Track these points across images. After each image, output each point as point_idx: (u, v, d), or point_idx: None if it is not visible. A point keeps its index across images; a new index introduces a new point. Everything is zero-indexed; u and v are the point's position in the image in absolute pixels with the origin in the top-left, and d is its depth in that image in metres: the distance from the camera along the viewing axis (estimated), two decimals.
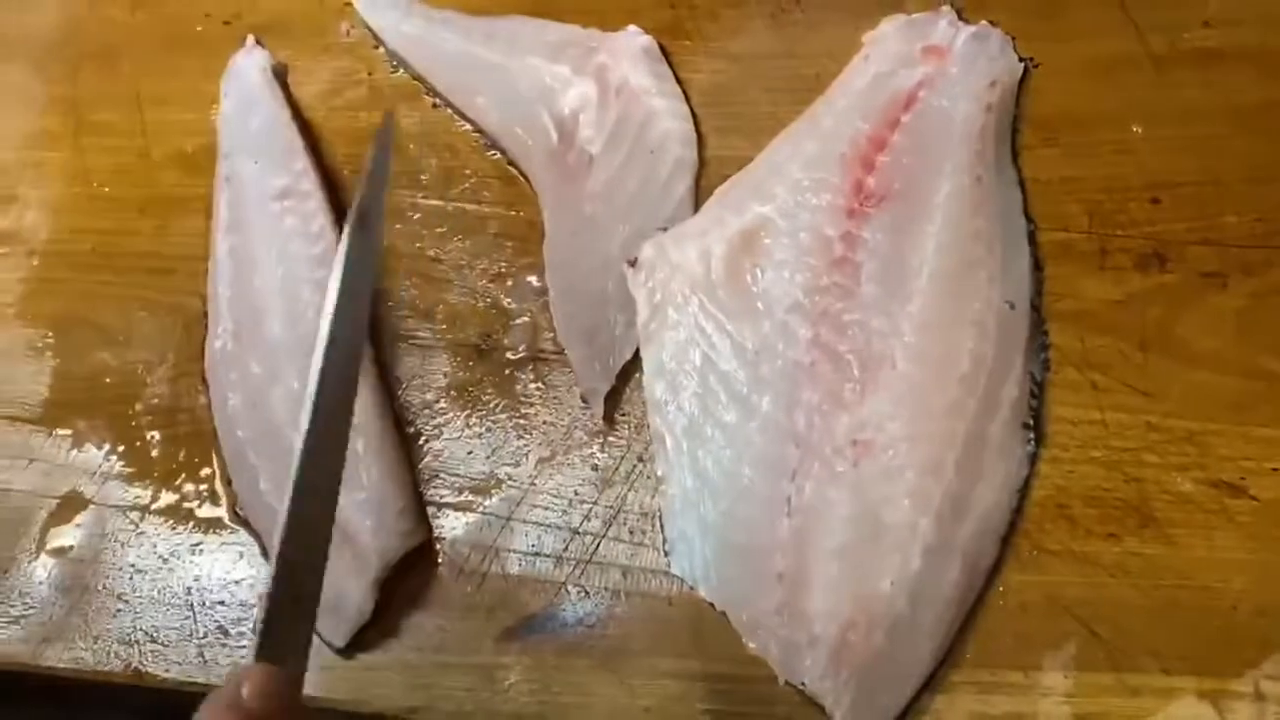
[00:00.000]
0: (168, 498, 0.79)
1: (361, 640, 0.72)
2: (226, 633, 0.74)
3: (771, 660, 0.67)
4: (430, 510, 0.75)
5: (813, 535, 0.68)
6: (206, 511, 0.78)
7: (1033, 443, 0.69)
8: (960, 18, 0.80)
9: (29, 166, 0.92)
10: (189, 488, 0.79)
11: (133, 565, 0.77)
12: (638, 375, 0.75)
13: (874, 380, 0.70)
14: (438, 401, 0.78)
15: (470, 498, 0.75)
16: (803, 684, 0.66)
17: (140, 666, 0.74)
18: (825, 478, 0.69)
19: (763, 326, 0.73)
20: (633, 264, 0.76)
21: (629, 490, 0.73)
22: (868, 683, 0.65)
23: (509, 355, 0.78)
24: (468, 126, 0.86)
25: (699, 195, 0.80)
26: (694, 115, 0.82)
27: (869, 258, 0.73)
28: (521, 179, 0.83)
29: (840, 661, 0.65)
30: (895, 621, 0.65)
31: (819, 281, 0.72)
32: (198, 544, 0.77)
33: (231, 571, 0.76)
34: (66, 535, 0.79)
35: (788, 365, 0.71)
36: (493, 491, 0.75)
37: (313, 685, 0.70)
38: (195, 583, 0.76)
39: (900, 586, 0.66)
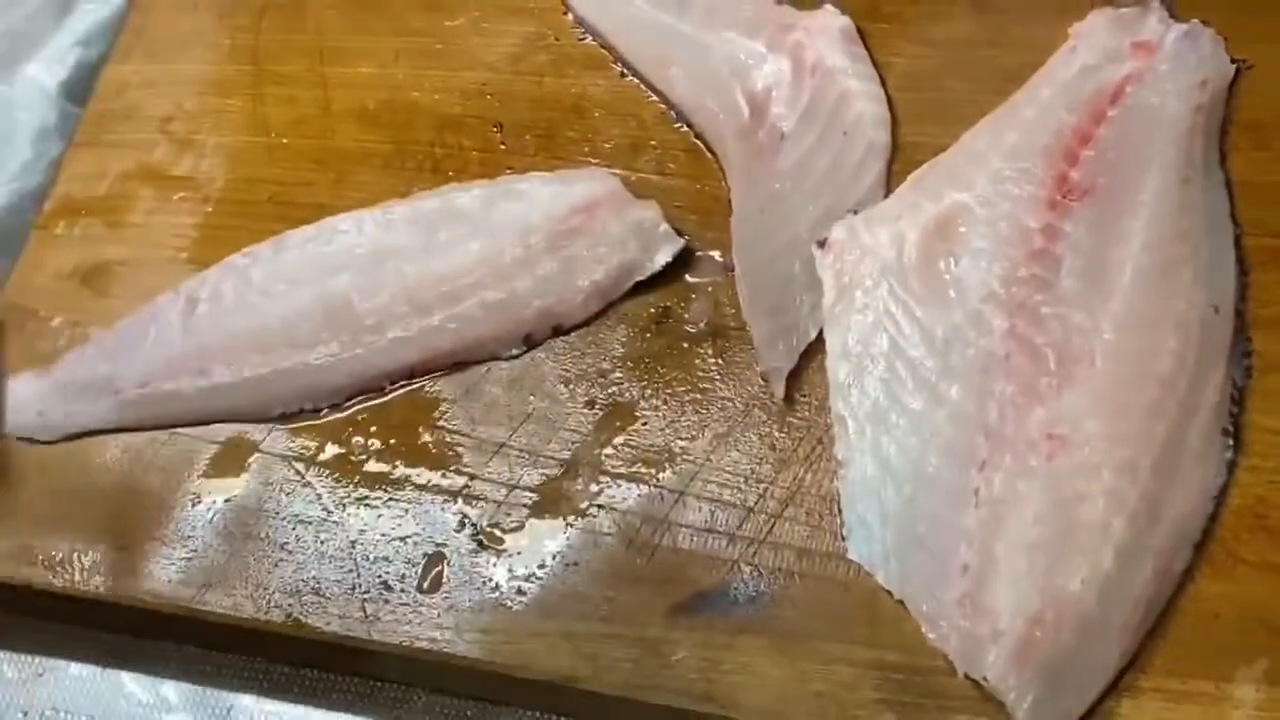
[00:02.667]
0: (333, 450, 0.80)
1: (525, 605, 0.73)
2: (390, 588, 0.75)
3: (951, 652, 0.67)
4: (603, 479, 0.76)
5: (1001, 528, 0.68)
6: (373, 466, 0.79)
7: (1231, 450, 0.69)
8: (1171, 15, 0.80)
9: (208, 113, 0.93)
10: (356, 440, 0.80)
11: (296, 515, 0.78)
12: (820, 357, 0.76)
13: (1071, 376, 0.70)
14: (614, 371, 0.79)
15: (643, 469, 0.75)
16: (984, 678, 0.65)
17: (301, 618, 0.75)
18: (1017, 471, 0.69)
19: (954, 315, 0.73)
20: (822, 245, 0.77)
21: (807, 472, 0.74)
22: (1052, 681, 0.65)
23: (688, 329, 0.79)
24: (655, 98, 0.87)
25: (891, 180, 0.80)
26: (889, 99, 0.83)
27: (1070, 251, 0.73)
28: (708, 153, 0.84)
29: (1025, 658, 0.65)
30: (1084, 621, 0.65)
31: (1017, 273, 0.73)
32: (363, 498, 0.78)
33: (396, 527, 0.77)
34: (230, 481, 0.80)
35: (980, 355, 0.71)
36: (666, 465, 0.75)
37: (472, 644, 0.73)
38: (360, 536, 0.77)
39: (1090, 586, 0.65)
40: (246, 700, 0.79)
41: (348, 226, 0.84)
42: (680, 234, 0.81)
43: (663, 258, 0.80)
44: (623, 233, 0.80)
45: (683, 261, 0.81)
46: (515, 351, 0.80)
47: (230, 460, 0.81)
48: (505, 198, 0.82)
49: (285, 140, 0.91)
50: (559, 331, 0.80)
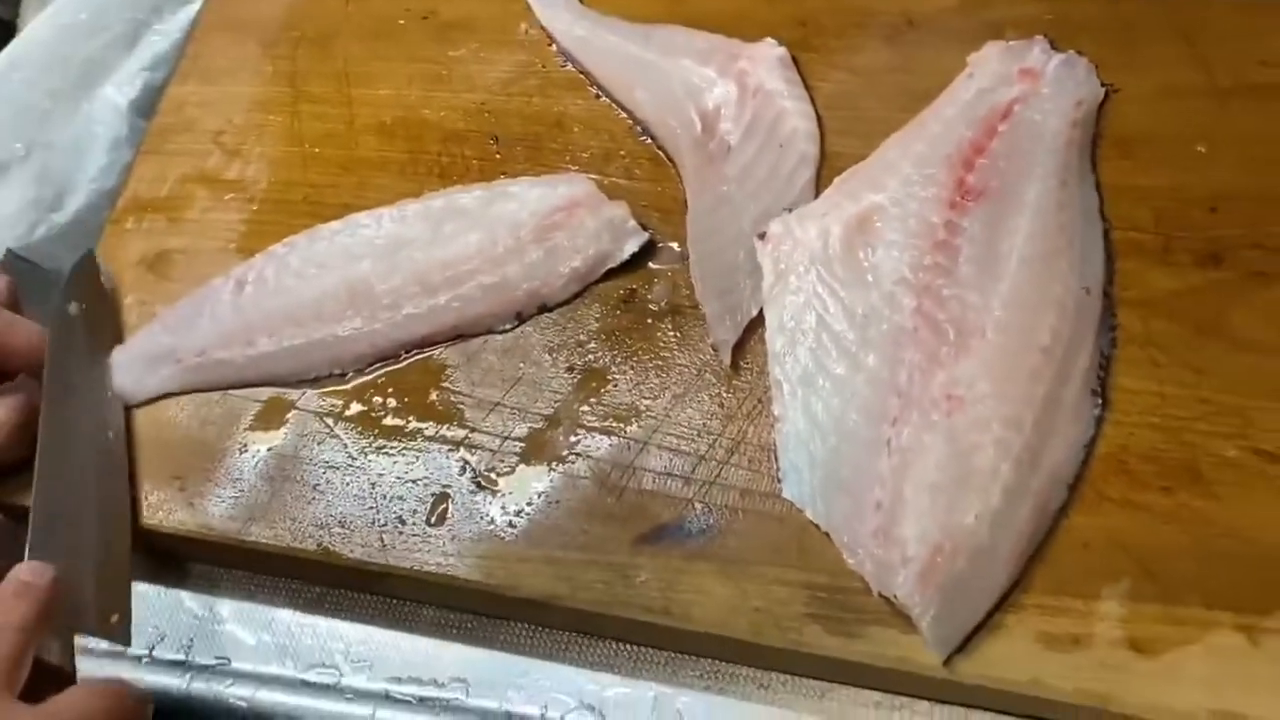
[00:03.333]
0: (357, 407, 0.79)
1: (515, 537, 0.73)
2: (403, 522, 0.74)
3: (867, 575, 0.66)
4: (580, 432, 0.75)
5: (909, 472, 0.67)
6: (390, 421, 0.78)
7: (1099, 407, 0.69)
8: (1052, 46, 0.79)
9: (254, 128, 0.92)
10: (375, 399, 0.79)
11: (326, 461, 0.77)
12: (760, 330, 0.75)
13: (967, 346, 0.69)
14: (589, 342, 0.78)
15: (613, 423, 0.75)
16: (894, 596, 0.65)
17: (330, 546, 0.74)
18: (922, 425, 0.68)
19: (871, 296, 0.72)
20: (762, 237, 0.76)
21: (749, 426, 0.73)
22: (950, 599, 0.64)
23: (651, 307, 0.78)
24: (624, 115, 0.86)
25: (819, 184, 0.79)
26: (818, 117, 0.82)
27: (967, 243, 0.72)
28: (668, 162, 0.83)
29: (928, 580, 0.64)
30: (976, 549, 0.65)
31: (923, 260, 0.72)
32: (381, 448, 0.77)
33: (409, 471, 0.76)
34: (271, 433, 0.79)
35: (893, 329, 0.71)
36: (633, 419, 0.74)
37: (471, 569, 0.72)
38: (378, 479, 0.76)
39: (982, 520, 0.65)
40: (284, 614, 0.78)
41: (368, 221, 0.82)
42: (645, 228, 0.79)
43: (630, 248, 0.79)
44: (597, 227, 0.79)
45: (647, 251, 0.79)
46: (508, 326, 0.79)
47: (271, 416, 0.80)
48: (500, 198, 0.81)
49: (317, 150, 0.90)
50: (544, 309, 0.79)
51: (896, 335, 0.71)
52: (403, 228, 0.81)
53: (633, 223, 0.79)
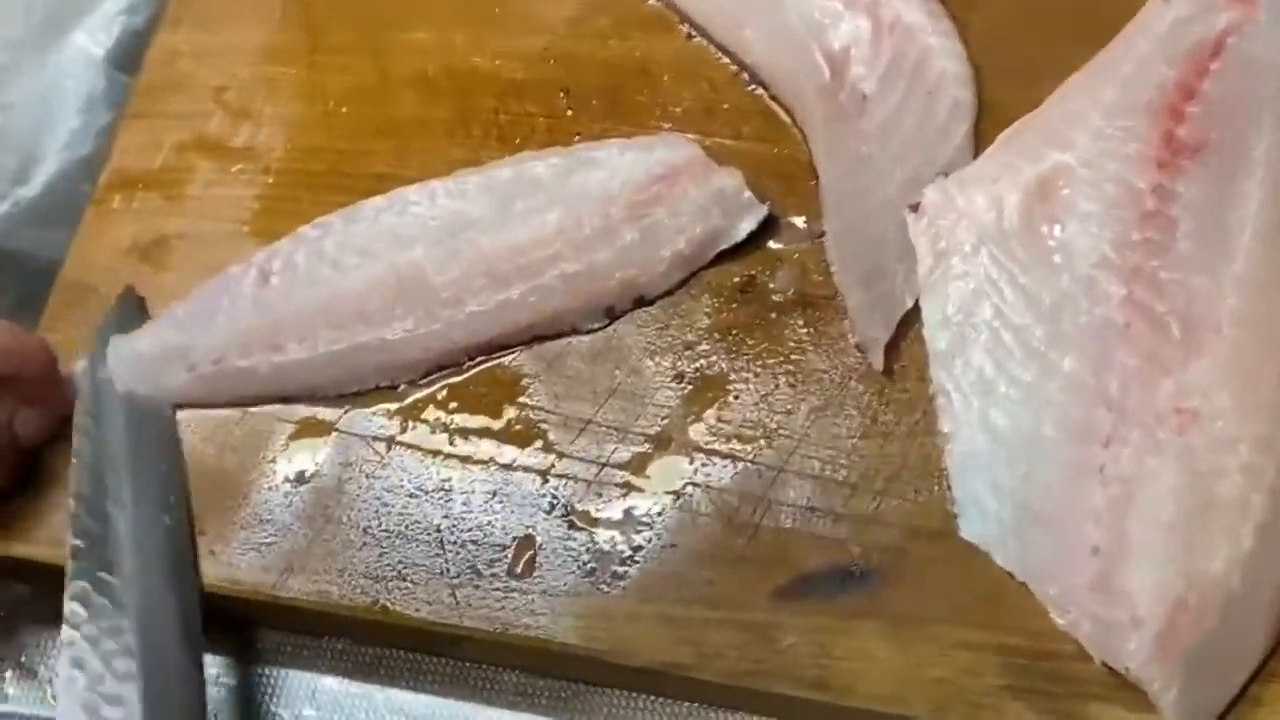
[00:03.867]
0: (413, 429, 0.65)
1: (623, 589, 0.59)
2: (479, 572, 0.61)
3: (1084, 639, 0.53)
4: (697, 456, 0.61)
5: (1134, 506, 0.53)
6: (456, 446, 0.64)
7: None
8: None
9: (263, 83, 0.77)
10: (437, 418, 0.65)
11: (378, 498, 0.63)
12: (917, 326, 0.61)
13: (1198, 345, 0.55)
14: (700, 343, 0.64)
15: (738, 445, 0.61)
16: (1127, 669, 0.52)
17: (389, 604, 0.61)
18: (1146, 446, 0.54)
19: (1062, 281, 0.58)
20: (915, 209, 0.62)
21: (911, 446, 0.59)
22: (1197, 669, 0.51)
23: (775, 298, 0.64)
24: (725, 59, 0.71)
25: (978, 140, 0.65)
26: (970, 57, 0.67)
27: (1184, 213, 0.58)
28: (784, 116, 0.68)
29: (1168, 646, 0.51)
30: (1227, 603, 0.51)
31: (1130, 236, 0.58)
32: (446, 479, 0.63)
33: (484, 509, 0.62)
34: (307, 463, 0.65)
35: (1095, 323, 0.57)
36: (762, 440, 0.61)
37: (568, 630, 0.59)
38: (445, 519, 0.62)
39: (1233, 566, 0.52)
40: (330, 682, 0.65)
41: (419, 197, 0.68)
42: (762, 200, 0.65)
43: (747, 225, 0.65)
44: (705, 201, 0.64)
45: (766, 228, 0.65)
46: (596, 324, 0.65)
47: (306, 441, 0.66)
48: (583, 166, 0.66)
49: (343, 109, 0.75)
50: (641, 303, 0.65)
51: (1101, 331, 0.57)
52: (463, 205, 0.67)
53: (749, 194, 0.65)
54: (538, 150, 0.69)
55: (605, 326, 0.65)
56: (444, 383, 0.66)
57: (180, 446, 0.67)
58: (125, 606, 0.61)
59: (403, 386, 0.66)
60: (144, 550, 0.63)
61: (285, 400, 0.67)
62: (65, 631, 0.61)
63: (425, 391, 0.66)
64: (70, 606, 0.61)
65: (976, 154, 0.64)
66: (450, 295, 0.65)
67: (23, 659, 0.69)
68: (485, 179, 0.67)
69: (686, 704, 0.60)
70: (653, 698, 0.61)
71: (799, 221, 0.65)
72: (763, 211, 0.65)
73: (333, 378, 0.66)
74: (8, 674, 0.68)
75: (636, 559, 0.60)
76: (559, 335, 0.65)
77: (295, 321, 0.66)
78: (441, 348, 0.65)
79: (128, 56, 0.84)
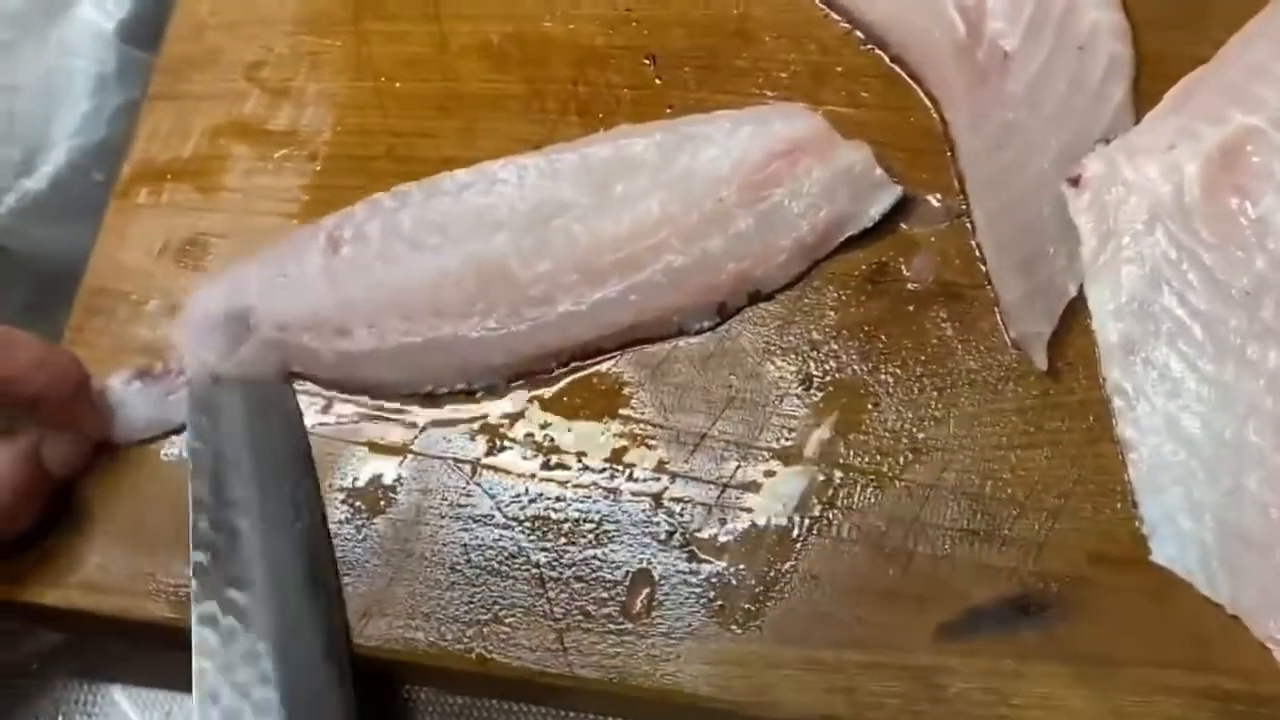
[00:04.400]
0: (502, 448, 0.56)
1: (759, 630, 0.51)
2: (589, 615, 0.52)
3: None
4: (835, 474, 0.53)
5: None
6: (552, 469, 0.55)
7: None
8: None
9: (304, 57, 0.67)
10: (528, 435, 0.56)
11: (466, 530, 0.55)
12: (1084, 318, 0.53)
13: None
14: (828, 342, 0.55)
15: (881, 460, 0.53)
16: None
17: (484, 652, 0.53)
18: None
19: (1257, 263, 0.51)
20: (1075, 183, 0.54)
21: (1087, 456, 0.51)
22: None
23: (911, 288, 0.56)
24: (834, 16, 0.61)
25: (1138, 99, 0.57)
26: (1123, 3, 0.58)
27: None
28: (907, 78, 0.60)
29: None
30: None
31: None
32: (546, 507, 0.55)
33: (591, 541, 0.54)
34: (381, 489, 0.57)
35: None
36: (910, 454, 0.53)
37: (696, 678, 0.51)
38: (544, 554, 0.54)
39: None
40: None
41: (509, 175, 0.59)
42: (891, 177, 0.57)
43: (880, 207, 0.56)
44: (830, 180, 0.56)
45: (897, 210, 0.57)
46: (707, 324, 0.57)
47: (378, 464, 0.57)
48: (689, 143, 0.57)
49: (397, 84, 0.65)
50: (758, 298, 0.57)
51: None
52: (555, 186, 0.58)
53: (879, 171, 0.56)
54: (633, 125, 0.60)
55: (715, 326, 0.57)
56: (532, 394, 0.57)
57: (307, 437, 0.59)
58: (259, 628, 0.53)
59: (482, 396, 0.57)
60: (276, 561, 0.55)
61: (347, 391, 0.59)
62: (195, 661, 0.53)
63: (511, 405, 0.57)
64: (199, 633, 0.53)
65: (1138, 117, 0.56)
66: (539, 292, 0.56)
67: (60, 716, 0.61)
68: (580, 158, 0.58)
69: None
70: None
71: (934, 200, 0.57)
72: (897, 191, 0.56)
73: (404, 374, 0.58)
74: None
75: (772, 594, 0.51)
76: (664, 338, 0.57)
77: (366, 303, 0.58)
78: (527, 351, 0.57)
79: (143, 30, 0.75)
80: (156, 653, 0.60)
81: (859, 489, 0.53)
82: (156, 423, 0.60)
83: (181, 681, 0.53)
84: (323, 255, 0.60)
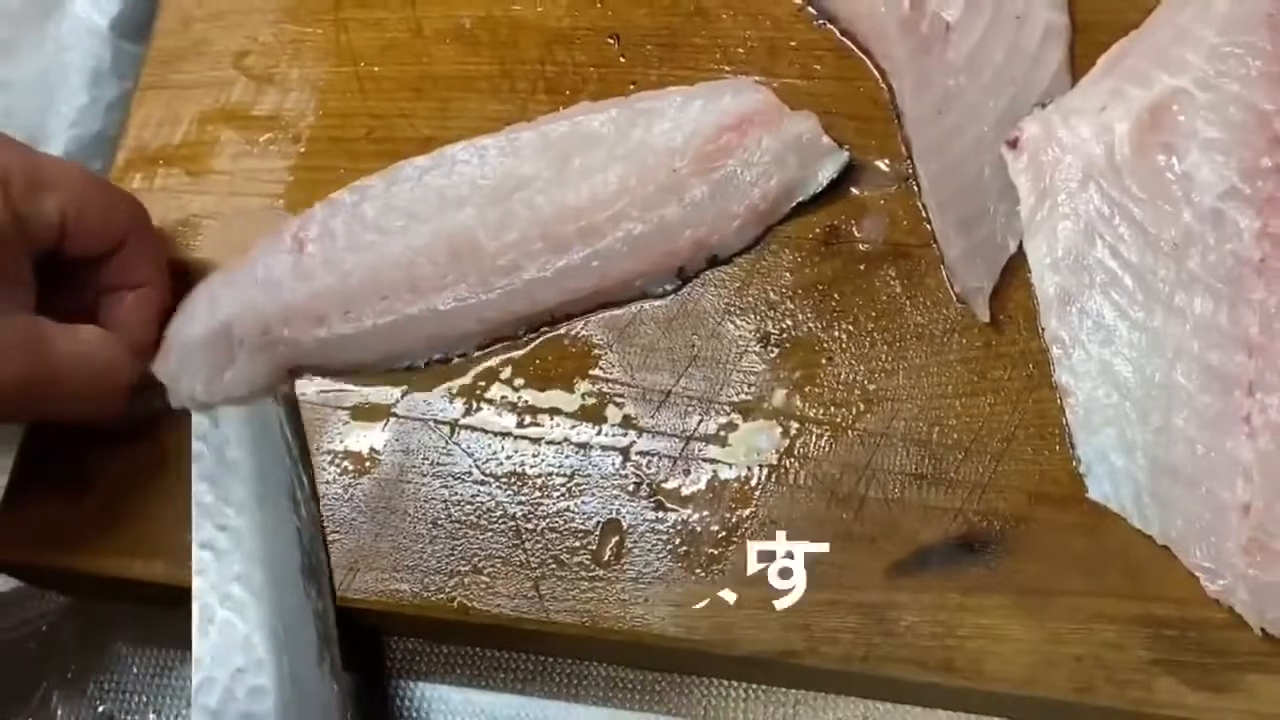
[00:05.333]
0: (478, 409, 0.59)
1: (719, 573, 0.53)
2: (562, 562, 0.55)
3: (1240, 606, 0.49)
4: (791, 425, 0.55)
5: None
6: (526, 426, 0.58)
7: None
8: None
9: (287, 45, 0.69)
10: (503, 397, 0.59)
11: (446, 486, 0.57)
12: (1024, 271, 0.56)
13: None
14: (784, 301, 0.58)
15: (835, 410, 0.55)
16: None
17: (466, 601, 0.55)
18: None
19: (1183, 216, 0.53)
20: (1013, 144, 0.56)
21: (1027, 402, 0.54)
22: None
23: (862, 247, 0.58)
24: None
25: (1074, 64, 0.59)
26: None
27: None
28: (857, 51, 0.62)
29: None
30: None
31: (1259, 163, 0.52)
32: (520, 464, 0.57)
33: (564, 494, 0.56)
34: (365, 451, 0.59)
35: (1226, 260, 0.52)
36: (862, 404, 0.55)
37: (665, 620, 0.53)
38: (522, 506, 0.56)
39: None
40: (404, 685, 0.59)
41: (468, 155, 0.61)
42: (841, 145, 0.59)
43: (827, 173, 0.58)
44: (780, 148, 0.58)
45: (846, 175, 0.59)
46: (668, 287, 0.59)
47: (362, 428, 0.60)
48: (644, 118, 0.59)
49: (376, 69, 0.67)
50: (715, 262, 0.59)
51: (1234, 268, 0.52)
52: (515, 163, 0.60)
53: (827, 139, 0.58)
54: (592, 102, 0.62)
55: (677, 290, 0.59)
56: (505, 356, 0.59)
57: (305, 434, 0.61)
58: (255, 621, 0.55)
59: (458, 362, 0.60)
60: (272, 560, 0.57)
61: (335, 372, 0.61)
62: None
63: (486, 366, 0.59)
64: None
65: (1074, 81, 0.58)
66: (506, 261, 0.58)
67: (69, 675, 0.63)
68: (539, 134, 0.60)
69: (794, 691, 0.55)
70: (755, 686, 0.56)
71: (882, 165, 0.59)
72: (844, 157, 0.58)
73: (382, 352, 0.60)
74: (54, 694, 0.62)
75: (733, 540, 0.54)
76: (628, 301, 0.59)
77: (338, 293, 0.59)
78: (498, 318, 0.59)
79: (135, 24, 0.76)
80: (159, 611, 0.62)
81: (814, 438, 0.55)
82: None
83: (186, 640, 0.56)
84: (290, 254, 0.61)
